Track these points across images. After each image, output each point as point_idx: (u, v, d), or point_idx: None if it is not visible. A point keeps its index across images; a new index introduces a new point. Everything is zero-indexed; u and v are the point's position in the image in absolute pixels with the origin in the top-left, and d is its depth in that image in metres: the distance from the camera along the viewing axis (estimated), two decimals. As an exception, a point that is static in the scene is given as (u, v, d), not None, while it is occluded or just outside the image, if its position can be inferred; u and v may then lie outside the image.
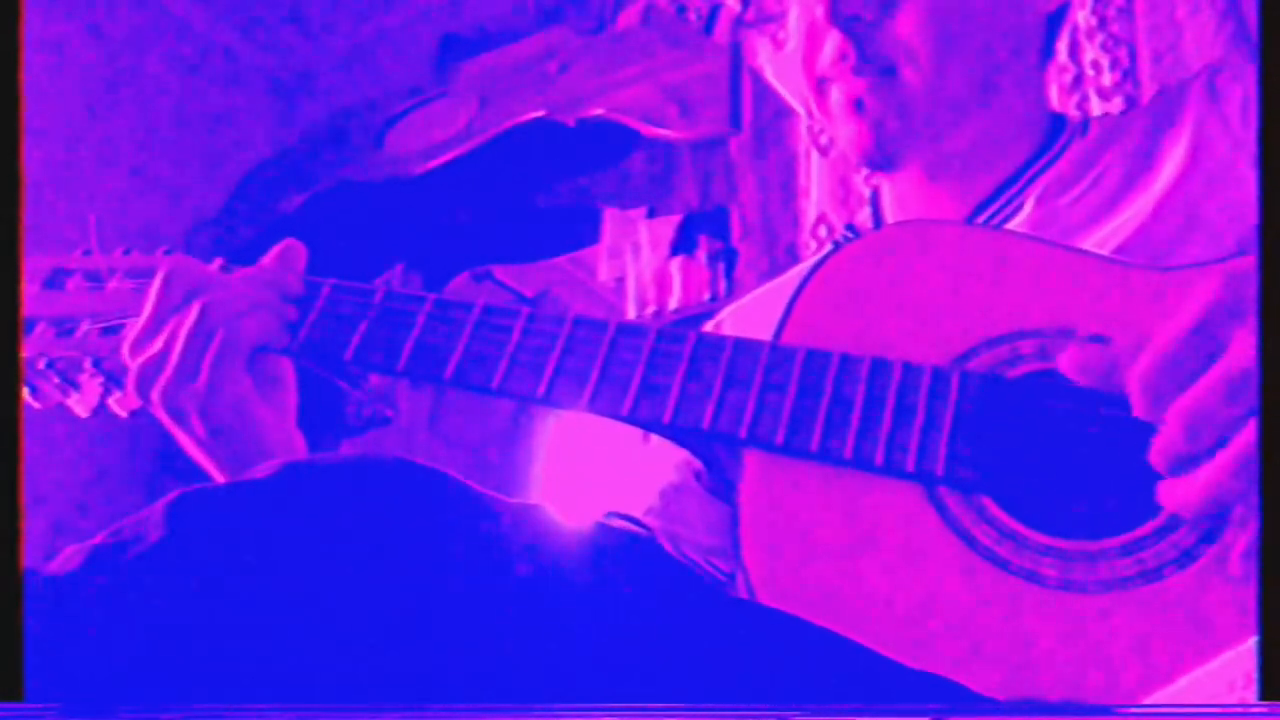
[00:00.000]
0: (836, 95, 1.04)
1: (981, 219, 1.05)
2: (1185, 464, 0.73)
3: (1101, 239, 0.96)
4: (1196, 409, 0.72)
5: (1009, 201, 1.05)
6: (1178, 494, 0.73)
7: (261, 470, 0.78)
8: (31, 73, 0.86)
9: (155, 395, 0.95)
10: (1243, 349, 0.71)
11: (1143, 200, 0.97)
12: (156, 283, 0.98)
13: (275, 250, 1.01)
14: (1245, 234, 0.90)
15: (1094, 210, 0.99)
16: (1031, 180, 1.05)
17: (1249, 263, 0.75)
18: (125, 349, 0.98)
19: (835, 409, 0.83)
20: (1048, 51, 1.11)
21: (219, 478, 0.96)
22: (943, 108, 1.03)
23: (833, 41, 1.03)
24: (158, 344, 0.96)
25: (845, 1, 1.01)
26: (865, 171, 1.15)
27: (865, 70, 1.02)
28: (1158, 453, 0.73)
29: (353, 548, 0.71)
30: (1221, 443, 0.71)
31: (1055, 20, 1.10)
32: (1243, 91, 0.99)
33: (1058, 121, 1.10)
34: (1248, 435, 0.71)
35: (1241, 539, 0.73)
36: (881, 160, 1.05)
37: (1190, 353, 0.72)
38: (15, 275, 0.87)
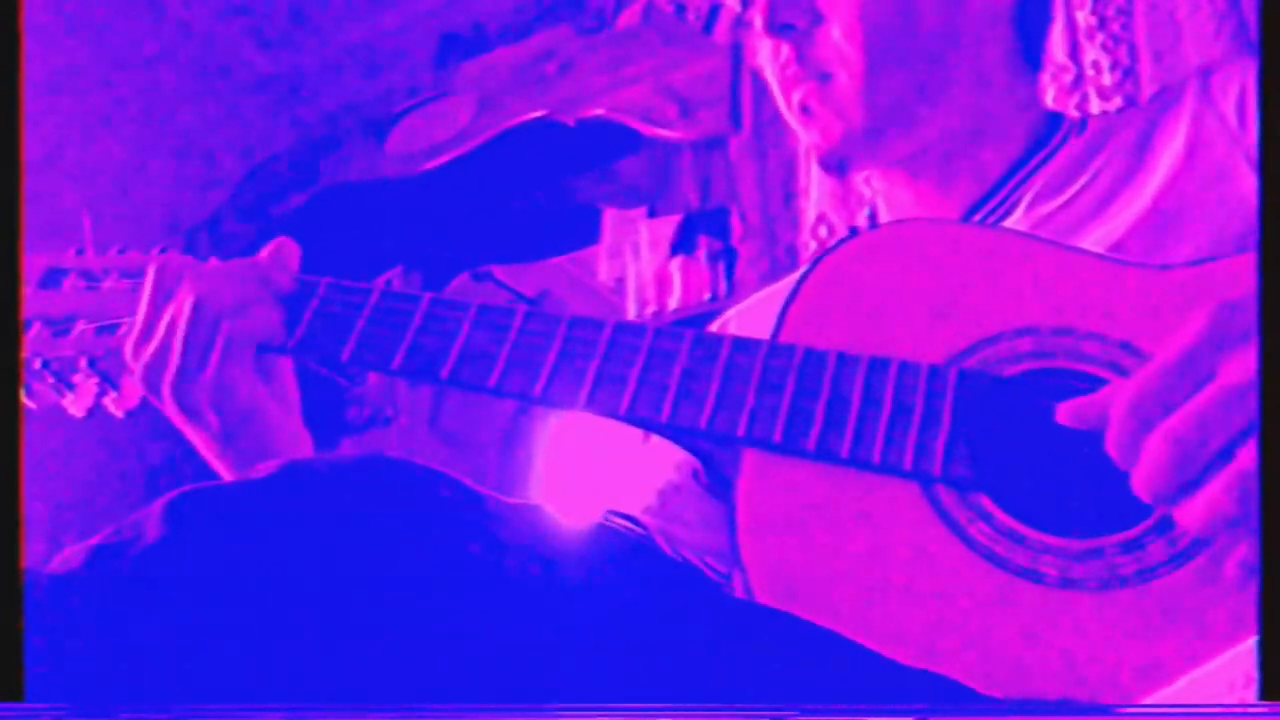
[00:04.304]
0: (788, 101, 1.06)
1: (977, 219, 1.05)
2: (1178, 491, 0.71)
3: (1097, 238, 0.96)
4: (1180, 434, 0.70)
5: (1004, 200, 1.05)
6: (1187, 515, 0.72)
7: (261, 470, 0.78)
8: (31, 73, 0.86)
9: (165, 390, 0.96)
10: (1230, 374, 0.71)
11: (1139, 199, 0.97)
12: (148, 281, 0.98)
13: (269, 247, 1.02)
14: (1242, 232, 0.90)
15: (1089, 209, 0.99)
16: (1025, 179, 1.05)
17: (1246, 262, 0.75)
18: (127, 349, 0.98)
19: (833, 408, 0.83)
20: (1027, 47, 1.09)
21: (226, 475, 0.97)
22: (883, 111, 1.03)
23: (772, 49, 1.05)
24: (157, 340, 0.97)
25: (780, 11, 1.03)
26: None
27: (805, 76, 1.04)
28: (1141, 483, 0.72)
29: (352, 548, 0.71)
30: (1213, 465, 0.70)
31: (1029, 15, 1.08)
32: (1239, 90, 0.98)
33: (1053, 120, 1.09)
34: (1247, 453, 0.70)
35: (1238, 548, 0.73)
36: (834, 163, 1.06)
37: (1176, 384, 0.71)
38: (15, 275, 0.87)
